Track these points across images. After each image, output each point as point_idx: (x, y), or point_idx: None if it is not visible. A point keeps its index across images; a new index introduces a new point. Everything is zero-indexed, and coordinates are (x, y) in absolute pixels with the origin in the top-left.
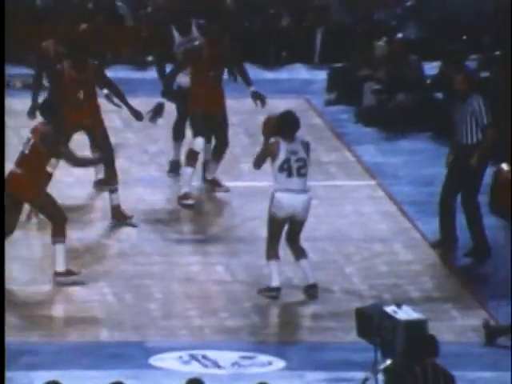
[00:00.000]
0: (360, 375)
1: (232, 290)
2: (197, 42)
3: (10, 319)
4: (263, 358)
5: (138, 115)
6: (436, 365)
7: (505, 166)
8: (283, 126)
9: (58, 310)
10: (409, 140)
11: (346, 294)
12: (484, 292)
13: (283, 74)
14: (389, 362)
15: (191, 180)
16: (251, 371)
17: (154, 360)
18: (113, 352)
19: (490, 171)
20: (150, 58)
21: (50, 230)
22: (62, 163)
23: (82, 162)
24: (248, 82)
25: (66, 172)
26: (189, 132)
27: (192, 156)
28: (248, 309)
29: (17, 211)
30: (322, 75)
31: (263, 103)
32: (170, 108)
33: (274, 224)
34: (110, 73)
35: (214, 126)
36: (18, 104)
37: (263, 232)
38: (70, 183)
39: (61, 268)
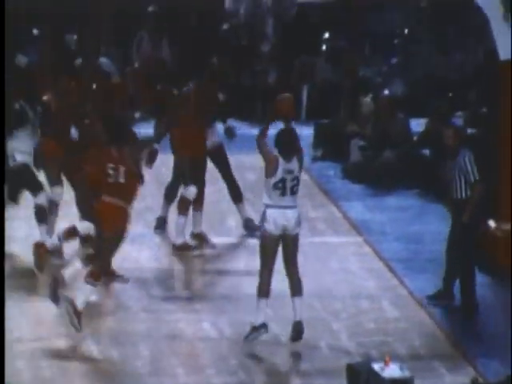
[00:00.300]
0: None
1: (219, 347)
2: (185, 89)
3: None
4: None
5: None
6: None
7: (492, 223)
8: (282, 145)
9: (44, 367)
10: (396, 197)
11: (333, 350)
12: (472, 349)
13: (270, 130)
14: None
15: (184, 229)
16: None
17: None
18: None
19: None
20: (137, 115)
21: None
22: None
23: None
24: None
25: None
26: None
27: (184, 205)
28: (235, 366)
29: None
30: (308, 131)
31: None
32: (157, 163)
33: (268, 242)
34: None
35: (197, 170)
36: None
37: (250, 289)
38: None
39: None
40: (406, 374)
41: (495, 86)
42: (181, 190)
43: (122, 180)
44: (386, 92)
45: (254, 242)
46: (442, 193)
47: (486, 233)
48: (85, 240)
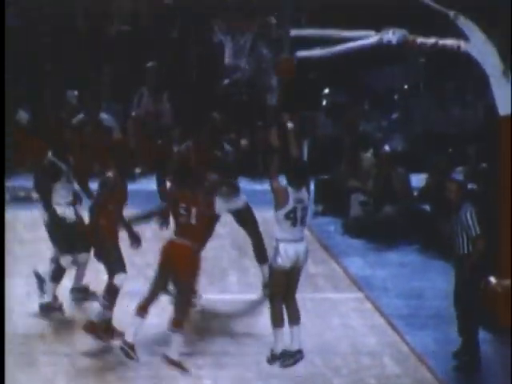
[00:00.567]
0: None
1: None
2: (183, 145)
3: None
4: None
5: (135, 240)
6: None
7: (492, 279)
8: (292, 175)
9: None
10: (396, 252)
11: None
12: None
13: None
14: None
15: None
16: None
17: None
18: None
19: None
20: (138, 170)
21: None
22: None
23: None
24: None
25: None
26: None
27: None
28: None
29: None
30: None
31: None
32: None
33: (279, 276)
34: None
35: None
36: (23, 215)
37: (252, 348)
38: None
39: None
40: None
41: (495, 142)
42: None
43: (193, 221)
44: (387, 147)
45: (255, 298)
46: (444, 248)
47: (487, 289)
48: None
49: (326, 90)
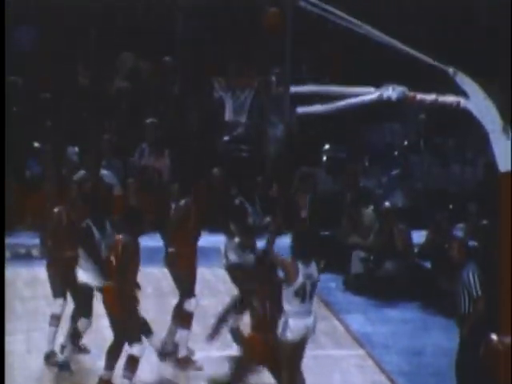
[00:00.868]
0: None
1: None
2: (183, 201)
3: None
4: None
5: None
6: None
7: (494, 337)
8: (300, 249)
9: None
10: (398, 309)
11: None
12: None
13: None
14: None
15: (187, 342)
16: None
17: None
18: None
19: None
20: None
21: None
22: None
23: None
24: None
25: None
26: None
27: (186, 317)
28: None
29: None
30: None
31: None
32: (158, 276)
33: (289, 349)
34: None
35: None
36: (24, 273)
37: None
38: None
39: None
40: None
41: (495, 198)
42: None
43: (267, 314)
44: (387, 203)
45: None
46: (445, 305)
47: (488, 346)
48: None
49: (327, 146)
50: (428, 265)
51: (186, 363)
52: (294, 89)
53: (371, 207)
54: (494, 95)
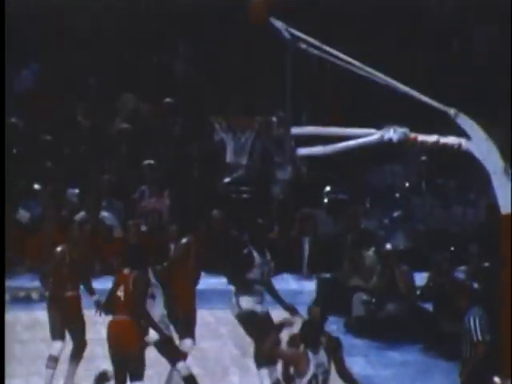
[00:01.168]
0: None
1: None
2: (184, 240)
3: None
4: None
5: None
6: None
7: (497, 380)
8: (309, 338)
9: None
10: (399, 352)
11: None
12: None
13: None
14: None
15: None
16: None
17: None
18: None
19: None
20: None
21: None
22: None
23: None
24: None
25: None
26: None
27: (183, 355)
28: None
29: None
30: (310, 286)
31: None
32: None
33: None
34: (99, 284)
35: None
36: (23, 316)
37: None
38: None
39: None
40: None
41: (497, 240)
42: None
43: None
44: (389, 245)
45: None
46: (447, 348)
47: None
48: None
49: (328, 188)
50: (430, 307)
51: None
52: (295, 130)
53: (372, 249)
54: (495, 136)
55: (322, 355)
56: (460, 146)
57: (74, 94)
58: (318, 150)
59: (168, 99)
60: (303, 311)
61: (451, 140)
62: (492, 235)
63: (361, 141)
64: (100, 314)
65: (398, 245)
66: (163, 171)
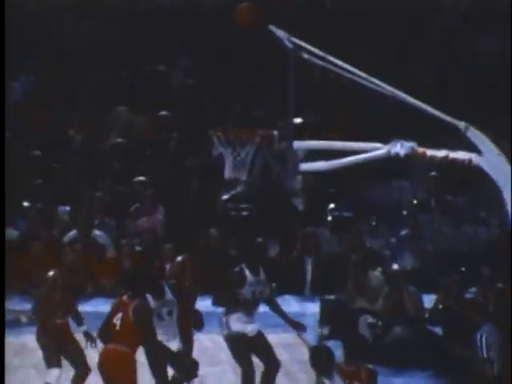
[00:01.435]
0: None
1: None
2: (179, 258)
3: None
4: None
5: None
6: None
7: None
8: (319, 363)
9: None
10: (406, 378)
11: None
12: None
13: None
14: None
15: None
16: None
17: None
18: None
19: None
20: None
21: None
22: None
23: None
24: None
25: None
26: None
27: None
28: None
29: None
30: (313, 308)
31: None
32: None
33: None
34: (90, 307)
35: None
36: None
37: None
38: None
39: None
40: None
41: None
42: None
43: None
44: (396, 265)
45: None
46: (458, 374)
47: None
48: None
49: (331, 205)
50: (439, 330)
51: None
52: (297, 144)
53: (379, 269)
54: (506, 151)
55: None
56: (470, 161)
57: (65, 107)
58: (321, 165)
59: (163, 112)
60: (307, 334)
61: (461, 155)
62: (505, 255)
63: (366, 155)
64: (90, 346)
65: (406, 265)
66: (158, 188)
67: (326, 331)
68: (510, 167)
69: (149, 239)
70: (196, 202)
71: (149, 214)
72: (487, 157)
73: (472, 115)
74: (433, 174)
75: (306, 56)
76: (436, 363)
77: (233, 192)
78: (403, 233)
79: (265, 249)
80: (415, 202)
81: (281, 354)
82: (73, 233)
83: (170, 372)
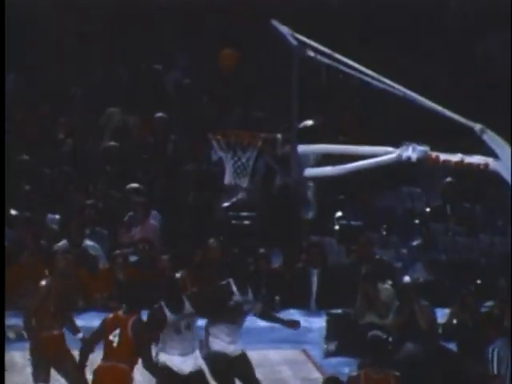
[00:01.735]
0: None
1: None
2: (179, 274)
3: None
4: None
5: None
6: None
7: None
8: None
9: None
10: None
11: None
12: None
13: None
14: None
15: None
16: None
17: None
18: None
19: None
20: None
21: None
22: None
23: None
24: None
25: None
26: None
27: None
28: None
29: None
30: (320, 322)
31: None
32: None
33: None
34: (82, 321)
35: None
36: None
37: None
38: None
39: None
40: None
41: None
42: None
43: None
44: (407, 278)
45: None
46: None
47: None
48: None
49: (339, 213)
50: (453, 347)
51: None
52: (302, 148)
53: (389, 282)
54: None
55: None
56: (487, 165)
57: (54, 109)
58: (327, 170)
59: (160, 113)
60: (313, 351)
61: (477, 159)
62: None
63: (376, 160)
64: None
65: (418, 277)
66: (154, 195)
67: (332, 347)
68: None
69: (144, 250)
70: (194, 210)
71: (143, 222)
72: (505, 161)
73: (486, 117)
74: (447, 179)
75: (311, 54)
76: (450, 381)
77: (233, 199)
78: (415, 243)
79: (267, 260)
80: (428, 209)
81: (284, 371)
82: (63, 243)
83: None
